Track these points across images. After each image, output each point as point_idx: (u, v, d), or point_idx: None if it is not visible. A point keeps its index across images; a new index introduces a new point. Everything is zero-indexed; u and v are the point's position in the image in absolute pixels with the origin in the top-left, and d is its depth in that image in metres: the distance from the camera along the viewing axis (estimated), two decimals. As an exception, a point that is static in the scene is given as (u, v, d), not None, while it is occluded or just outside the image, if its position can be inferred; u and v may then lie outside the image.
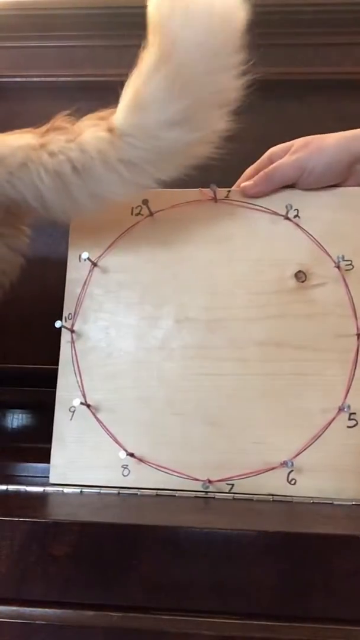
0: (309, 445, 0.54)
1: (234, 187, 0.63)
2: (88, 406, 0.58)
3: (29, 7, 0.82)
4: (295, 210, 0.59)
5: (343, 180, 0.60)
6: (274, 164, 0.60)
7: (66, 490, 0.55)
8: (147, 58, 0.50)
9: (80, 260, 0.61)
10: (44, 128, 0.54)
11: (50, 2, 0.81)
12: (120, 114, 0.52)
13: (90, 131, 0.52)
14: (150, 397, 0.57)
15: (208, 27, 0.48)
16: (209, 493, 0.54)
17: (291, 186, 0.60)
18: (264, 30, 0.75)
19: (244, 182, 0.62)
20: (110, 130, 0.52)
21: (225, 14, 0.49)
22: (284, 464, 0.53)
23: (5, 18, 0.82)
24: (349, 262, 0.57)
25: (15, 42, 0.83)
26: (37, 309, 0.61)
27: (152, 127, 0.51)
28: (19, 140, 0.53)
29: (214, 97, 0.51)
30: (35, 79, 0.83)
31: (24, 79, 0.83)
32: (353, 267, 0.57)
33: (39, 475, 0.58)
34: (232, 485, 0.54)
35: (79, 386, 0.59)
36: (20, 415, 0.74)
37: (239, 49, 0.49)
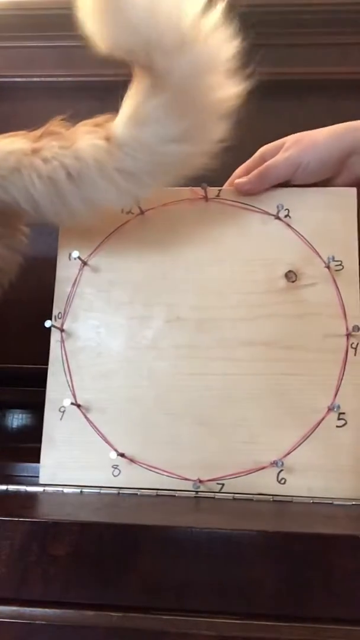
0: (299, 445, 0.54)
1: (225, 186, 0.62)
2: (78, 406, 0.58)
3: (29, 7, 0.82)
4: (286, 210, 0.59)
5: (336, 174, 0.59)
6: (268, 162, 0.60)
7: (66, 490, 0.55)
8: (142, 82, 0.49)
9: (70, 259, 0.61)
10: (38, 132, 0.54)
11: (50, 2, 0.81)
12: (120, 123, 0.51)
13: (86, 138, 0.52)
14: (140, 397, 0.57)
15: (197, 49, 0.47)
16: (207, 493, 0.54)
17: (282, 185, 0.60)
18: (264, 30, 0.75)
19: (236, 180, 0.61)
20: (108, 138, 0.52)
21: (212, 31, 0.48)
22: (274, 463, 0.53)
23: (5, 18, 0.82)
24: (339, 263, 0.57)
25: (15, 42, 0.83)
26: (37, 308, 0.61)
27: (152, 142, 0.50)
28: (11, 144, 0.53)
29: (213, 111, 0.51)
30: (35, 79, 0.83)
31: (24, 79, 0.83)
32: (343, 267, 0.57)
33: (39, 475, 0.58)
34: (223, 484, 0.54)
35: (69, 386, 0.58)
36: (20, 415, 0.74)
37: (234, 58, 0.49)
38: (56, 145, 0.52)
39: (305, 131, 0.60)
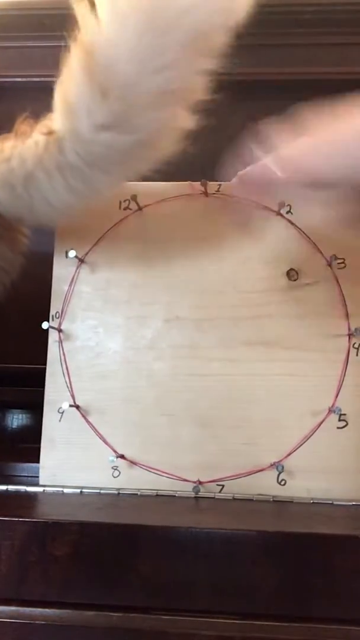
0: (299, 447, 0.54)
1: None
2: (77, 407, 0.57)
3: (29, 7, 0.82)
4: (287, 206, 0.58)
5: None
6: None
7: (66, 490, 0.55)
8: (71, 59, 0.46)
9: (67, 257, 0.60)
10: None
11: (50, 2, 0.81)
12: (56, 116, 0.49)
13: (33, 135, 0.49)
14: (139, 398, 0.57)
15: (139, 24, 0.43)
16: (207, 493, 0.54)
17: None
18: (264, 30, 0.75)
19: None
20: (50, 133, 0.48)
21: (164, 10, 0.43)
22: (274, 465, 0.53)
23: (5, 18, 0.82)
24: (341, 261, 0.57)
25: (15, 42, 0.83)
26: (37, 308, 0.61)
27: (83, 131, 0.47)
28: None
29: (151, 99, 0.46)
30: (35, 79, 0.83)
31: (24, 79, 0.83)
32: (345, 265, 0.57)
33: (39, 476, 0.58)
34: (223, 486, 0.54)
35: (67, 387, 0.58)
36: (20, 415, 0.74)
37: (186, 47, 0.44)
38: (10, 146, 0.50)
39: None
